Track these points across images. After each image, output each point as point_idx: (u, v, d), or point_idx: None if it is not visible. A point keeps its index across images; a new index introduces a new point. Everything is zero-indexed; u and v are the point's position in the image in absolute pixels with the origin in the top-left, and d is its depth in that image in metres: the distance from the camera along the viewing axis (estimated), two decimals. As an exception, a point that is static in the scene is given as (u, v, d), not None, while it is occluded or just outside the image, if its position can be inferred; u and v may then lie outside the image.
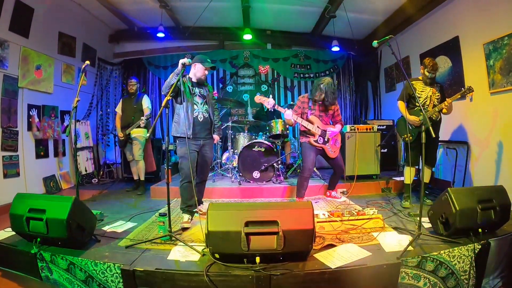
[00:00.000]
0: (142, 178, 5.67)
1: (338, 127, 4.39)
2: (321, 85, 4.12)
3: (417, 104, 4.15)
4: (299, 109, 4.29)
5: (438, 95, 4.15)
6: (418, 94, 4.13)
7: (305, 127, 4.22)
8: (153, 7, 6.57)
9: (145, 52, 8.45)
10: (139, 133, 5.46)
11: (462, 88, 3.98)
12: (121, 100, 5.86)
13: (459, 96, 3.94)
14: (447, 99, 3.99)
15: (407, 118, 4.17)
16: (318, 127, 4.23)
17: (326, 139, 4.29)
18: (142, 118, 5.28)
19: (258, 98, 4.27)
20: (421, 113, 4.04)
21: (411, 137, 4.13)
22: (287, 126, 5.48)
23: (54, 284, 2.73)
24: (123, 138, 5.52)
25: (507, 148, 4.29)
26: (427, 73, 4.08)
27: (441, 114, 4.18)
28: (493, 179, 4.46)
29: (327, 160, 4.48)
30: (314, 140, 4.22)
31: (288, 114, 4.08)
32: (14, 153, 4.90)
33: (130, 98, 5.69)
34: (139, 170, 5.65)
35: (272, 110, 4.43)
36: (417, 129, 4.12)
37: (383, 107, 8.28)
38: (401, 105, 4.27)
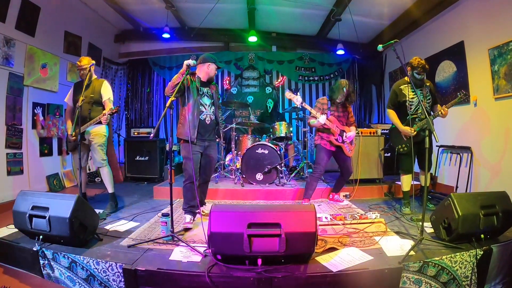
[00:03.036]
0: (111, 190, 4.27)
1: (353, 130, 4.44)
2: (344, 88, 4.18)
3: (409, 112, 3.97)
4: (319, 110, 4.32)
5: (429, 98, 4.01)
6: (409, 100, 3.98)
7: (325, 126, 4.25)
8: (159, 7, 6.62)
9: (150, 52, 8.51)
10: (97, 132, 4.15)
11: (459, 94, 3.89)
12: (71, 88, 4.39)
13: (454, 103, 3.88)
14: (443, 106, 3.87)
15: (400, 128, 4.04)
16: (337, 127, 4.29)
17: (344, 138, 4.36)
18: (104, 112, 3.90)
19: (288, 94, 4.32)
20: (416, 122, 3.98)
21: (405, 148, 4.04)
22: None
23: (55, 282, 2.74)
24: (74, 138, 4.07)
25: (511, 154, 4.27)
26: (416, 75, 3.88)
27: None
28: (497, 184, 4.44)
29: (338, 161, 4.49)
30: (334, 139, 4.28)
31: (323, 119, 4.13)
32: (18, 151, 4.93)
33: (83, 85, 4.12)
34: (104, 178, 4.26)
35: (300, 107, 4.48)
36: (410, 139, 3.92)
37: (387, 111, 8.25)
38: (392, 114, 4.15)
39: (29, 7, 5.00)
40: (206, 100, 3.68)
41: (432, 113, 4.02)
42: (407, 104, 3.98)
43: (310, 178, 4.45)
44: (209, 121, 3.67)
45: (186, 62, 3.34)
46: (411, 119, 3.94)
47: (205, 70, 3.70)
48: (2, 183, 4.61)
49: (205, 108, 3.65)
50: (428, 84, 4.07)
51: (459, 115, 4.53)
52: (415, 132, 3.93)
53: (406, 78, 3.99)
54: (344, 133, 4.35)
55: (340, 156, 4.42)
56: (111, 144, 4.40)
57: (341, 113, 4.39)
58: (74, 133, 4.07)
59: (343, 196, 4.93)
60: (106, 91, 4.18)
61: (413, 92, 3.89)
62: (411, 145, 3.89)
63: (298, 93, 4.35)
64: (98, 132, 4.16)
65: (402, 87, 4.06)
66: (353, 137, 4.45)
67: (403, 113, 4.04)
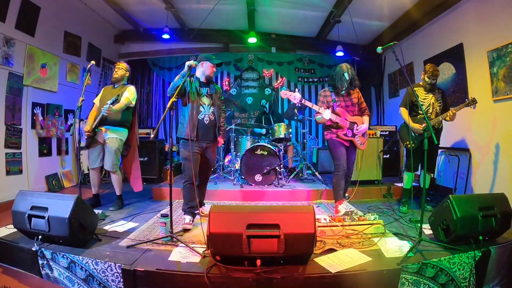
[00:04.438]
0: (118, 193, 4.47)
1: (366, 120, 4.15)
2: (345, 73, 3.91)
3: (420, 111, 4.15)
4: (324, 104, 4.01)
5: (440, 103, 4.17)
6: (421, 101, 4.14)
7: (332, 121, 3.96)
8: (159, 8, 6.64)
9: (150, 53, 8.53)
10: (113, 135, 4.26)
11: (467, 99, 4.01)
12: (102, 89, 4.58)
13: (463, 107, 3.99)
14: (451, 109, 3.99)
15: (410, 125, 4.15)
16: (345, 119, 3.99)
17: (355, 131, 4.04)
18: (107, 102, 3.94)
19: (284, 93, 4.00)
20: (424, 121, 4.04)
21: (413, 144, 4.13)
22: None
23: (54, 282, 2.74)
24: (89, 134, 4.18)
25: (509, 156, 4.28)
26: (427, 79, 4.12)
27: (443, 121, 4.18)
28: (495, 186, 4.45)
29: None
30: (343, 134, 3.97)
31: (328, 114, 3.85)
32: (17, 151, 4.93)
33: (111, 86, 4.49)
34: (113, 182, 4.42)
35: (299, 105, 4.32)
36: (419, 136, 4.14)
37: (386, 113, 8.29)
38: (404, 112, 4.28)
39: (29, 7, 5.01)
40: (205, 100, 3.69)
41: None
42: (418, 104, 4.04)
43: (334, 177, 4.03)
44: (207, 121, 3.67)
45: (187, 63, 3.35)
46: (421, 118, 4.17)
47: (201, 70, 3.73)
48: (1, 183, 4.61)
49: (204, 108, 3.66)
50: (440, 90, 4.27)
51: (458, 117, 4.48)
52: (423, 130, 4.10)
53: (421, 83, 4.30)
54: (355, 125, 4.04)
55: (347, 152, 4.08)
56: (134, 152, 4.58)
57: (349, 102, 4.06)
58: (89, 128, 4.16)
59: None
60: (126, 93, 4.28)
61: (425, 94, 4.19)
62: (418, 142, 4.15)
63: (297, 90, 4.15)
64: (112, 137, 4.25)
65: (415, 88, 4.22)
66: (366, 130, 4.11)
67: (415, 113, 4.28)
